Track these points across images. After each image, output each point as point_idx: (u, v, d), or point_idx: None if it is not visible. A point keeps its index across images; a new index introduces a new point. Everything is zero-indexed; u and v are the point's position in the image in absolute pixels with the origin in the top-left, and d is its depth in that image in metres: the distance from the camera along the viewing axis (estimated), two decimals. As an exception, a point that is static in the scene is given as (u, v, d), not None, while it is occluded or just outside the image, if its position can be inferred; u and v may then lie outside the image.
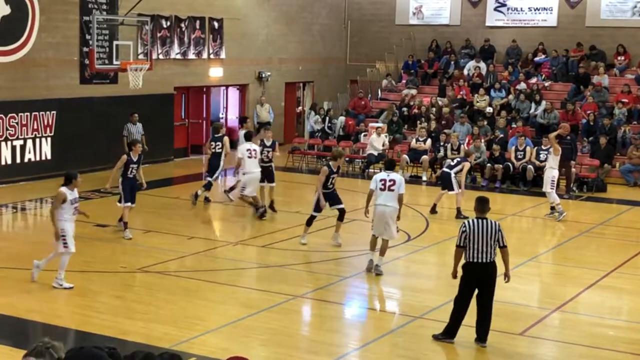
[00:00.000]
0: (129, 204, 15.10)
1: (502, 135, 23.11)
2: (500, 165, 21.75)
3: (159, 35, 23.51)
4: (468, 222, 9.79)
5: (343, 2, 31.32)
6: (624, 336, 10.76)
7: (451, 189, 17.45)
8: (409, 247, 14.99)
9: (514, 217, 18.36)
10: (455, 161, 17.88)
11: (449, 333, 10.02)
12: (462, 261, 9.88)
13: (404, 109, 26.47)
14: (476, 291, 9.87)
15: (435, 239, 15.66)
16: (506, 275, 10.00)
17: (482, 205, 9.95)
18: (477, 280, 9.80)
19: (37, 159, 20.52)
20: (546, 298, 12.57)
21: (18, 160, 20.07)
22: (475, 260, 9.67)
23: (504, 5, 29.07)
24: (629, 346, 10.28)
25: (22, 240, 15.28)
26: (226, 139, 18.12)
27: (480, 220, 9.73)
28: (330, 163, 14.72)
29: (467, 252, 9.70)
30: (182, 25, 24.40)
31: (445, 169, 17.98)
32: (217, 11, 25.62)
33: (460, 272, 9.92)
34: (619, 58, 27.11)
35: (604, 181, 21.68)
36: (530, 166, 21.35)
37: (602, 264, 14.12)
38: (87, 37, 20.99)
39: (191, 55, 24.78)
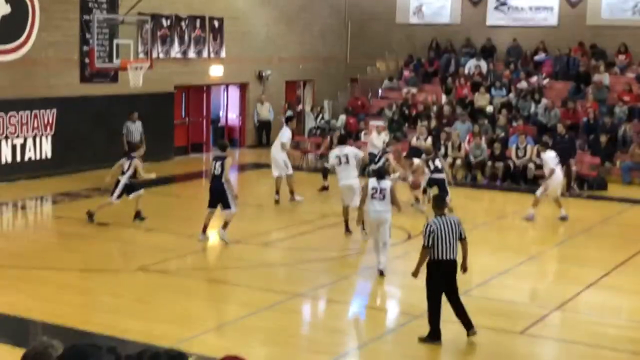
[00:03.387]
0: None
1: (503, 134, 23.10)
2: (501, 164, 21.73)
3: (159, 34, 23.49)
4: (434, 222, 9.91)
5: (343, 1, 31.28)
6: (624, 335, 10.75)
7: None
8: (409, 245, 14.97)
9: (514, 215, 18.34)
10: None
11: (436, 336, 9.97)
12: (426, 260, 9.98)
13: (404, 107, 26.46)
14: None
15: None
16: (463, 267, 10.11)
17: (441, 203, 10.32)
18: (446, 277, 9.91)
19: (37, 157, 20.50)
20: (546, 297, 12.55)
21: (18, 158, 20.06)
22: (444, 258, 9.81)
23: (504, 4, 29.04)
24: (629, 345, 10.27)
25: (22, 239, 15.27)
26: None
27: (443, 218, 9.94)
28: None
29: (435, 250, 9.80)
30: (183, 24, 24.39)
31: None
32: (217, 10, 25.61)
33: (422, 271, 10.05)
34: (620, 57, 27.09)
35: (605, 179, 21.66)
36: (531, 164, 21.34)
37: (603, 262, 14.10)
38: (88, 36, 20.98)
39: (191, 54, 24.76)
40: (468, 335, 10.01)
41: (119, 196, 15.73)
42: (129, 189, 15.78)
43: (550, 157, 17.14)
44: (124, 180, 15.71)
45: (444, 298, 9.92)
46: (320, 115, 26.94)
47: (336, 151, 15.20)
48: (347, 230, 15.15)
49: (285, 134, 18.17)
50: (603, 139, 22.40)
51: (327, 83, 30.37)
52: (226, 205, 14.30)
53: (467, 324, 10.00)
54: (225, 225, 14.40)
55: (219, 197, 14.31)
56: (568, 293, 12.36)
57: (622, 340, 10.50)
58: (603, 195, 20.70)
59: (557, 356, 10.31)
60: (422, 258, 9.97)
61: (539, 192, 17.18)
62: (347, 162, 14.90)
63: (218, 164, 14.30)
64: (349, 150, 15.18)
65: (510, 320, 10.97)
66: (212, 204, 14.47)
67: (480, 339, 10.39)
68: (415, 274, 10.15)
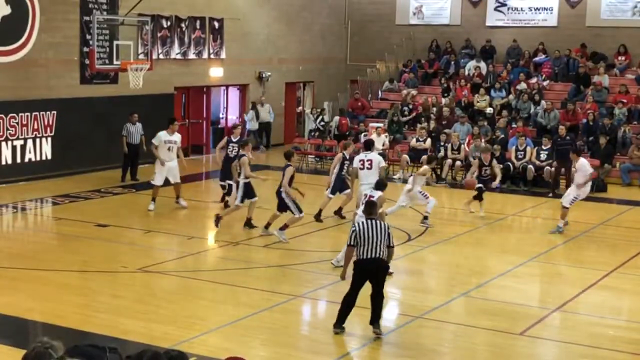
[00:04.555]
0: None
1: (502, 136, 23.11)
2: (501, 165, 21.72)
3: (159, 35, 23.50)
4: (358, 223, 10.34)
5: (343, 2, 31.30)
6: (624, 336, 10.76)
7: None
8: (409, 247, 14.99)
9: (514, 217, 18.35)
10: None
11: (339, 323, 10.30)
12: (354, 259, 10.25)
13: (405, 108, 26.51)
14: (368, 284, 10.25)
15: (435, 239, 15.65)
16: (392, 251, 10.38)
17: (369, 209, 10.59)
18: (367, 274, 10.15)
19: (38, 158, 20.51)
20: (546, 298, 12.56)
21: (18, 160, 20.06)
22: (364, 257, 10.08)
23: (504, 5, 29.07)
24: (629, 346, 10.27)
25: (22, 240, 15.29)
26: None
27: (370, 221, 10.20)
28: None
29: (358, 250, 10.13)
30: (183, 25, 24.40)
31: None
32: (217, 11, 25.63)
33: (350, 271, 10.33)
34: (619, 58, 27.12)
35: (604, 181, 21.66)
36: (530, 166, 21.36)
37: (603, 263, 14.11)
38: (88, 37, 20.99)
39: (191, 55, 24.78)
40: (371, 324, 10.22)
41: (242, 200, 15.53)
42: (247, 192, 15.56)
43: (587, 164, 16.82)
44: (241, 181, 15.48)
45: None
46: (320, 117, 26.99)
47: (361, 155, 15.21)
48: None
49: (157, 135, 17.43)
50: (602, 140, 22.41)
51: (327, 84, 30.40)
52: (290, 211, 14.76)
53: (375, 318, 10.23)
54: (283, 226, 14.72)
55: (279, 202, 14.78)
56: (568, 294, 12.37)
57: (621, 340, 10.50)
58: (602, 197, 20.70)
59: (556, 357, 10.32)
60: (347, 257, 10.41)
61: (569, 201, 16.42)
62: (370, 167, 14.85)
63: (282, 172, 14.77)
64: (374, 156, 15.11)
65: (510, 321, 10.98)
66: (278, 208, 14.96)
67: (479, 339, 10.42)
68: (342, 276, 10.64)
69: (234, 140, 17.63)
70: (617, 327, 11.15)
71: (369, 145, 15.68)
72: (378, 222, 10.20)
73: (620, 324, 11.40)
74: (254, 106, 27.02)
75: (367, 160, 14.92)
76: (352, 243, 10.18)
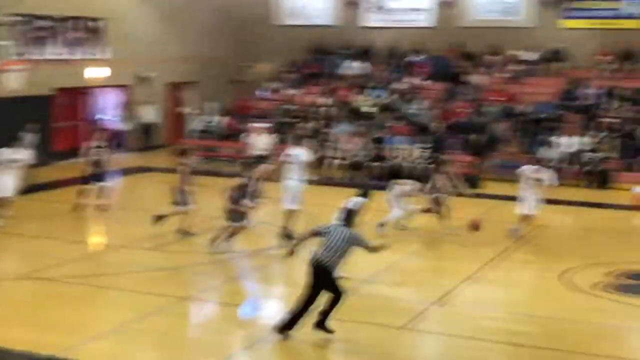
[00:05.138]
0: None
1: (382, 134, 23.64)
2: (379, 163, 22.20)
3: (35, 35, 22.94)
4: (333, 224, 10.56)
5: (225, 2, 31.30)
6: (503, 327, 11.18)
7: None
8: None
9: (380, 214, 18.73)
10: None
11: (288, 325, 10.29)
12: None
13: (285, 110, 26.81)
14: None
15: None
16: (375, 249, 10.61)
17: (340, 215, 10.78)
18: (311, 274, 10.13)
19: None
20: (424, 292, 12.90)
21: None
22: (313, 256, 10.16)
23: (381, 7, 29.71)
24: (506, 337, 10.70)
25: None
26: None
27: (339, 227, 10.33)
28: None
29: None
30: (61, 25, 23.87)
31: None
32: (97, 11, 25.21)
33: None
34: (492, 57, 28.15)
35: (477, 177, 22.24)
36: (405, 164, 21.86)
37: (477, 258, 14.59)
38: (-41, 37, 20.34)
39: (70, 55, 24.29)
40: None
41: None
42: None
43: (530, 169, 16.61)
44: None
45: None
46: (202, 117, 26.96)
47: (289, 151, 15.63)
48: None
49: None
50: (476, 137, 23.17)
51: (210, 85, 30.30)
52: None
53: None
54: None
55: None
56: (446, 287, 12.76)
57: (501, 332, 10.92)
58: (476, 192, 21.27)
59: (436, 349, 10.58)
60: (303, 236, 10.59)
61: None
62: (292, 162, 15.37)
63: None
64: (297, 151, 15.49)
65: (389, 315, 11.22)
66: None
67: (362, 334, 10.64)
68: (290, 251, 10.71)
69: (96, 144, 17.51)
70: (495, 319, 11.59)
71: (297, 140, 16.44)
72: (344, 230, 10.23)
73: (499, 315, 11.79)
74: (127, 106, 26.78)
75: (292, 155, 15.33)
76: (316, 230, 10.35)
